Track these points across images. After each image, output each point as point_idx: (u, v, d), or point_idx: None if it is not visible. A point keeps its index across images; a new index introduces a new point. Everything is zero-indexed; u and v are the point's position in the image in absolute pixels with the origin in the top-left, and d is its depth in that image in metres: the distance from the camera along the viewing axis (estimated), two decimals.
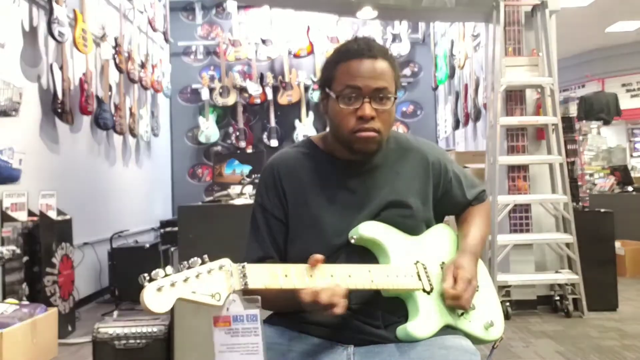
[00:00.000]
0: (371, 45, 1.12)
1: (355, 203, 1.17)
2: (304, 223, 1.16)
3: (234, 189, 3.00)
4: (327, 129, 1.24)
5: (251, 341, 0.88)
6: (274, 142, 6.62)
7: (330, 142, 1.22)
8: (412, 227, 1.18)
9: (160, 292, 0.81)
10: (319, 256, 1.00)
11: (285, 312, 1.15)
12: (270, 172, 1.21)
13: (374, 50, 1.11)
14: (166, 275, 0.82)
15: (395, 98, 1.14)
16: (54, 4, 3.64)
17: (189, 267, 0.85)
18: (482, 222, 1.30)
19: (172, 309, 2.57)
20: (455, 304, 1.09)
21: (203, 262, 0.86)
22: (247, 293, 0.91)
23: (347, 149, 1.15)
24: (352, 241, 1.10)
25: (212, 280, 0.85)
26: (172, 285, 0.82)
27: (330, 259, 1.06)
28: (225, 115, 6.79)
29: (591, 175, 6.29)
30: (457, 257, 1.18)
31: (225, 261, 0.89)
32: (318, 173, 1.19)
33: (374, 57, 1.11)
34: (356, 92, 1.09)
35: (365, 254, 1.12)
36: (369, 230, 1.11)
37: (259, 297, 0.90)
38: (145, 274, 0.82)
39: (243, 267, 0.89)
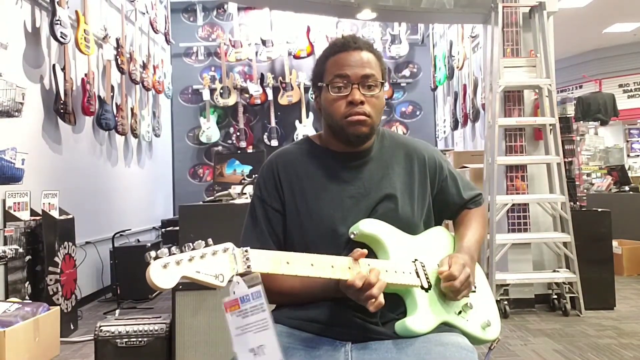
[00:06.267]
0: (356, 39, 1.20)
1: (353, 195, 1.19)
2: (301, 213, 1.18)
3: (235, 189, 3.01)
4: (322, 127, 1.27)
5: (260, 318, 0.90)
6: (274, 142, 6.65)
7: (325, 137, 1.26)
8: (407, 223, 1.19)
9: (166, 269, 0.82)
10: (363, 251, 1.04)
11: (289, 305, 1.17)
12: (269, 166, 1.25)
13: (359, 43, 1.19)
14: (171, 254, 0.84)
15: (383, 84, 1.20)
16: (56, 5, 3.66)
17: (193, 249, 0.87)
18: (478, 225, 1.32)
19: (173, 308, 2.56)
20: (450, 285, 1.10)
21: (207, 245, 0.88)
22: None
23: (342, 137, 1.20)
24: (352, 237, 1.12)
25: (216, 262, 0.87)
26: (178, 263, 0.84)
27: (328, 249, 1.08)
28: (226, 116, 6.82)
29: (588, 175, 6.32)
30: (453, 254, 1.20)
31: (229, 245, 0.91)
32: (315, 165, 1.23)
33: (360, 49, 1.18)
34: (345, 79, 1.16)
35: (364, 249, 1.12)
36: (369, 227, 1.13)
37: (259, 274, 0.92)
38: (152, 252, 0.84)
39: (246, 251, 0.92)
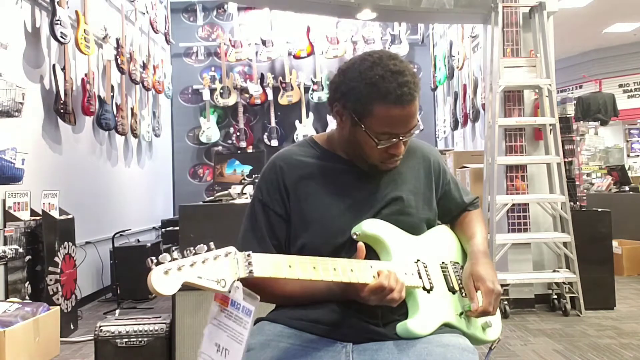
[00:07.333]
0: (411, 86, 1.06)
1: (359, 200, 1.18)
2: (307, 219, 1.16)
3: (235, 189, 3.01)
4: (332, 130, 1.25)
5: (239, 330, 0.90)
6: (274, 142, 6.65)
7: (335, 144, 1.22)
8: (412, 224, 1.19)
9: (167, 275, 0.81)
10: (360, 246, 1.05)
11: (290, 306, 1.16)
12: (272, 169, 1.20)
13: (413, 92, 1.07)
14: (173, 259, 0.83)
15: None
16: (56, 5, 3.66)
17: (195, 253, 0.86)
18: (481, 224, 1.32)
19: (173, 308, 2.56)
20: (485, 316, 1.14)
21: (209, 249, 0.87)
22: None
23: (366, 164, 1.18)
24: (355, 237, 1.11)
25: (218, 267, 0.86)
26: (179, 269, 0.82)
27: (333, 254, 1.08)
28: (226, 116, 6.82)
29: (588, 175, 6.32)
30: (473, 265, 1.18)
31: (231, 249, 0.90)
32: (321, 170, 1.20)
33: (413, 100, 1.08)
34: (394, 137, 1.11)
35: (367, 250, 1.11)
36: (371, 227, 1.12)
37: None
38: (153, 257, 0.82)
39: (248, 255, 0.91)
